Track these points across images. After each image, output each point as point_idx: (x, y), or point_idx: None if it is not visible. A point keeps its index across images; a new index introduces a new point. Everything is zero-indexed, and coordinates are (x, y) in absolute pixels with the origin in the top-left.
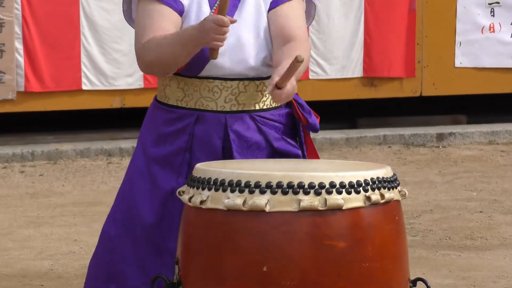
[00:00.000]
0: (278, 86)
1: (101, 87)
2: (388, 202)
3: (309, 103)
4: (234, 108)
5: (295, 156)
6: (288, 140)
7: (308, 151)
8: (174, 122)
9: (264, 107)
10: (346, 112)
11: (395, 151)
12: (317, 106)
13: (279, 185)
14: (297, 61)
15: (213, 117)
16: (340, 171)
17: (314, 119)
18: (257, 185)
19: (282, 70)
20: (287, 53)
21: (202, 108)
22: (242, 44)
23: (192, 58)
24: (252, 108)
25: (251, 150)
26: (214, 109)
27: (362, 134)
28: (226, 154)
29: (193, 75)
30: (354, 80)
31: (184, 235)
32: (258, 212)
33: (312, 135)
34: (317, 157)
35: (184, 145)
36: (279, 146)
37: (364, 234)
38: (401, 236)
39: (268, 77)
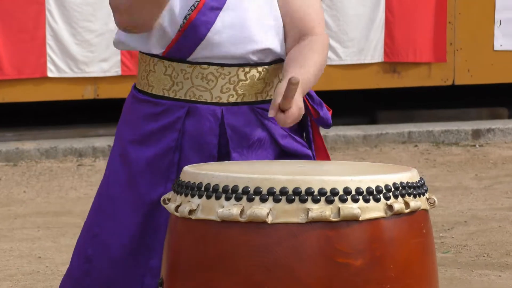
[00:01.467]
0: (282, 109)
1: (70, 74)
2: (413, 211)
3: (320, 93)
4: (232, 100)
5: (305, 156)
6: (295, 137)
7: (317, 151)
8: (160, 117)
9: (268, 97)
10: (363, 104)
11: (422, 151)
12: (329, 97)
13: (283, 191)
14: (291, 84)
15: (207, 110)
16: (356, 174)
17: (326, 113)
18: (257, 191)
19: (283, 89)
20: (298, 60)
21: (194, 99)
22: (245, 19)
23: (182, 35)
24: (254, 100)
25: (252, 150)
26: (209, 101)
27: (382, 131)
28: (223, 154)
29: (183, 58)
30: (374, 66)
31: (170, 252)
32: (258, 224)
33: (322, 132)
34: (327, 157)
35: (173, 144)
36: (286, 145)
37: (385, 250)
38: (430, 252)
39: (273, 63)
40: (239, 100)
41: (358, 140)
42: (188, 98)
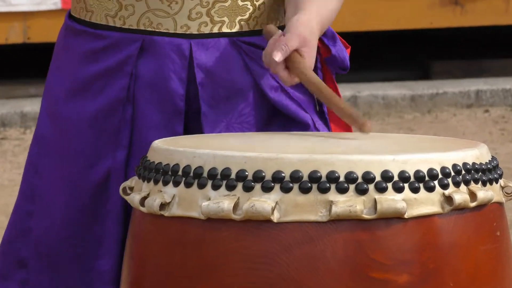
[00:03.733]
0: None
1: None
2: (483, 205)
3: (347, 35)
4: (206, 30)
5: (302, 123)
6: (290, 91)
7: (331, 112)
8: (103, 55)
9: (257, 27)
10: (411, 52)
11: (495, 119)
12: (361, 41)
13: (295, 176)
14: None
15: (170, 45)
16: (400, 152)
17: (341, 49)
18: (258, 176)
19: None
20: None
21: (150, 29)
22: None
23: None
24: (237, 30)
25: (230, 103)
26: (171, 31)
27: (438, 90)
28: (193, 110)
29: None
30: None
31: (134, 260)
32: (260, 223)
33: (353, 91)
34: (347, 125)
35: (122, 94)
36: (277, 99)
37: (442, 261)
38: (506, 263)
39: None
40: (215, 30)
41: (403, 103)
42: (142, 27)
